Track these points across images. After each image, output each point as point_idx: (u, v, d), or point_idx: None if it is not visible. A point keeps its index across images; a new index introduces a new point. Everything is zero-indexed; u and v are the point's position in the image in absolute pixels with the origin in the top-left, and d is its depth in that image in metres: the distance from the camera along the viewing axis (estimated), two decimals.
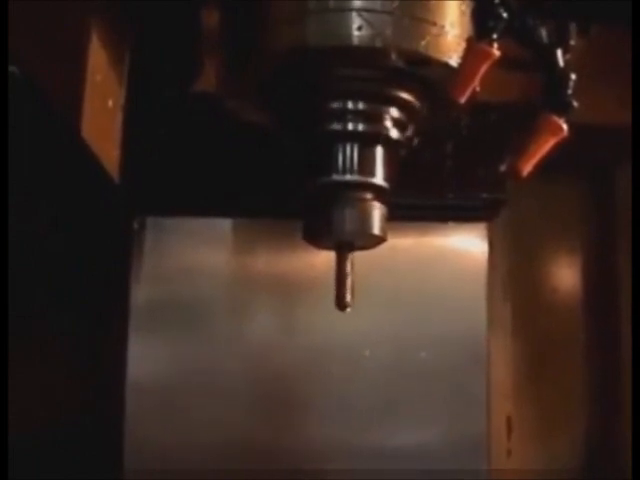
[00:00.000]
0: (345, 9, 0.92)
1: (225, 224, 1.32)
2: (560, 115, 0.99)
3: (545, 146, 1.00)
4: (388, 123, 0.99)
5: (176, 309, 1.30)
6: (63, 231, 1.27)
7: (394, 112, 0.99)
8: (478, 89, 0.94)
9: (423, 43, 0.92)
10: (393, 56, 0.93)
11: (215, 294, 1.31)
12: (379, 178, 0.99)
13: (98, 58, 1.06)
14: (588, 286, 1.67)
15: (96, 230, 1.28)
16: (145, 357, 1.27)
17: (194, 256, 1.30)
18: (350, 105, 0.98)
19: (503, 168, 1.26)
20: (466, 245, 1.35)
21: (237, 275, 1.33)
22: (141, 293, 1.28)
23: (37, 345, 1.02)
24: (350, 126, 0.98)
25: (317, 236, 1.04)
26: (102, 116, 1.10)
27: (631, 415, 1.04)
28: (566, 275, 1.67)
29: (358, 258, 1.04)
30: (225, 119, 1.11)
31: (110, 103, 1.13)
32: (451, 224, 1.34)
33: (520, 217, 1.57)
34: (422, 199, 1.28)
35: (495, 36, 0.90)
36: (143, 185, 1.23)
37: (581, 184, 1.66)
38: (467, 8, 0.95)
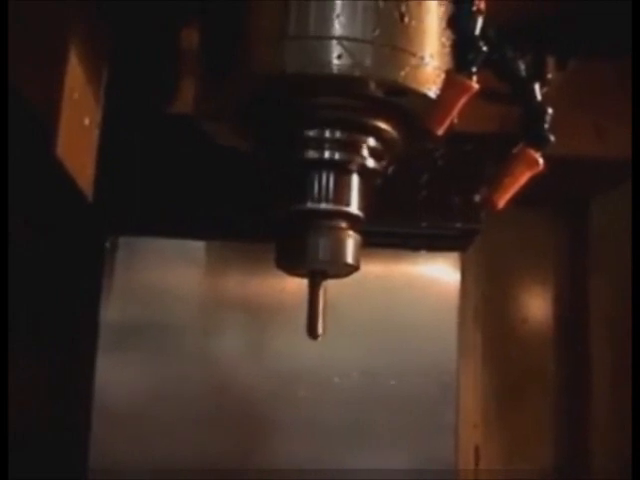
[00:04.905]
0: (325, 36, 0.91)
1: (198, 246, 1.32)
2: (537, 149, 0.99)
3: (521, 179, 0.99)
4: (365, 152, 0.98)
5: (146, 329, 1.29)
6: (34, 248, 1.26)
7: (371, 141, 0.99)
8: (456, 121, 0.94)
9: (402, 74, 0.92)
10: (372, 86, 0.93)
11: (186, 316, 1.31)
12: (354, 207, 0.98)
13: (76, 76, 1.05)
14: (559, 317, 1.67)
15: (68, 248, 1.27)
16: (113, 376, 1.27)
17: (165, 277, 1.30)
18: (327, 133, 0.97)
19: (478, 198, 1.26)
20: (438, 274, 1.35)
21: (208, 297, 1.32)
22: (111, 313, 1.27)
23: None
24: (326, 154, 0.97)
25: (290, 263, 1.02)
26: (78, 134, 1.09)
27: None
28: (538, 306, 1.68)
29: (329, 284, 1.03)
30: (200, 141, 1.10)
31: (86, 121, 1.12)
32: (424, 253, 1.34)
33: (493, 247, 1.57)
34: (396, 227, 1.28)
35: (474, 69, 0.90)
36: (116, 204, 1.23)
37: (555, 215, 1.66)
38: (447, 40, 0.95)
